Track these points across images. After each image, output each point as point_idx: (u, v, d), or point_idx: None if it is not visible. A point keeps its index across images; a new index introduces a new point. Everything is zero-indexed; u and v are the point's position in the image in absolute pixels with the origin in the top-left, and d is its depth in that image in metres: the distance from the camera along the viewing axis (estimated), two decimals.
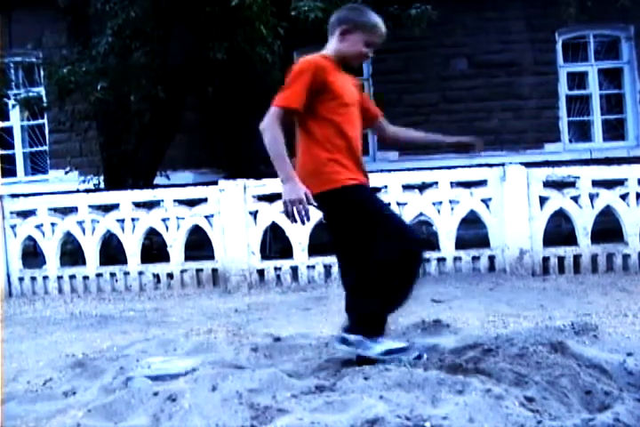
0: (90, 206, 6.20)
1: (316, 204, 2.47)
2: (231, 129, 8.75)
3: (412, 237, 2.54)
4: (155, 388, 2.32)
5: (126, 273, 6.12)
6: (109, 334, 4.11)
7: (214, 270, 6.00)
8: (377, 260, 2.48)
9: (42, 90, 8.64)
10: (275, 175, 2.46)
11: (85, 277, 6.18)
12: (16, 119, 9.53)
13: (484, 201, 5.80)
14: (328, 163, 2.55)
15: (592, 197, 5.71)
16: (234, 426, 1.93)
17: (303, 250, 5.87)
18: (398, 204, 5.80)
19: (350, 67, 2.69)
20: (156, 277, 6.08)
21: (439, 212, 5.81)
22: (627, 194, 5.70)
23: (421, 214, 5.85)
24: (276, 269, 5.92)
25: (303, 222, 2.39)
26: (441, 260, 5.81)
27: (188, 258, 6.08)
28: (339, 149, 2.57)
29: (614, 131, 9.13)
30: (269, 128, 2.46)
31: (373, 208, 2.60)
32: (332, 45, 2.67)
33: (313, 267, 5.86)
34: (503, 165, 5.86)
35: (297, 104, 2.48)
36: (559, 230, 6.23)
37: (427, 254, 5.84)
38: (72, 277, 6.20)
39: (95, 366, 3.07)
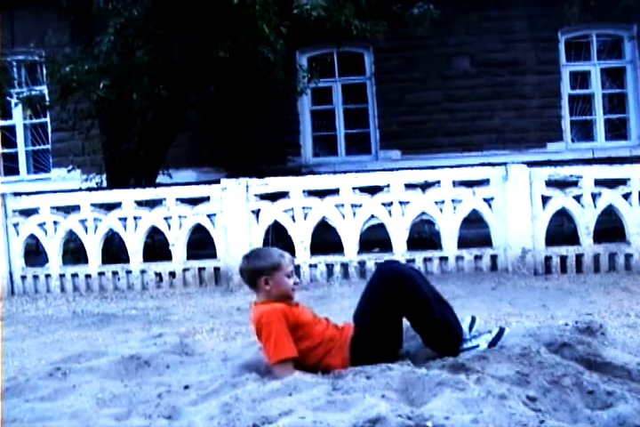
0: (92, 205, 6.20)
1: None
2: (233, 127, 8.76)
3: None
4: (159, 388, 2.32)
5: (128, 272, 6.13)
6: (111, 332, 4.12)
7: (216, 269, 6.01)
8: None
9: (44, 88, 8.66)
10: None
11: (88, 276, 6.19)
12: (18, 118, 9.53)
13: (486, 200, 5.79)
14: None
15: (594, 196, 5.70)
16: (237, 425, 1.93)
17: (305, 249, 5.88)
18: (401, 202, 5.81)
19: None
20: (159, 275, 6.08)
21: (441, 211, 5.80)
22: (629, 193, 5.69)
23: (424, 213, 5.85)
24: None
25: None
26: (443, 259, 5.81)
27: (190, 257, 6.08)
28: None
29: (617, 130, 9.10)
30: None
31: None
32: (263, 296, 2.70)
33: (315, 266, 5.86)
34: (505, 164, 5.87)
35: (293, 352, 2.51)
36: (561, 230, 6.22)
37: (429, 253, 5.86)
38: (74, 275, 6.21)
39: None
